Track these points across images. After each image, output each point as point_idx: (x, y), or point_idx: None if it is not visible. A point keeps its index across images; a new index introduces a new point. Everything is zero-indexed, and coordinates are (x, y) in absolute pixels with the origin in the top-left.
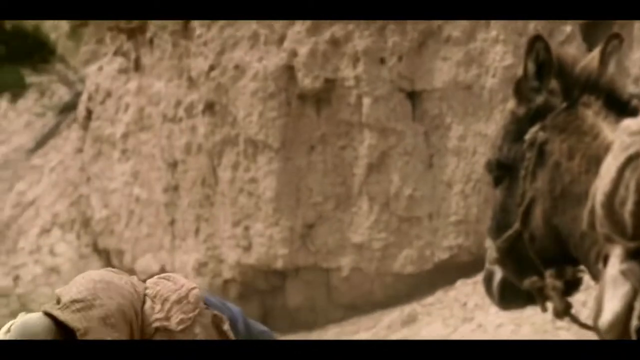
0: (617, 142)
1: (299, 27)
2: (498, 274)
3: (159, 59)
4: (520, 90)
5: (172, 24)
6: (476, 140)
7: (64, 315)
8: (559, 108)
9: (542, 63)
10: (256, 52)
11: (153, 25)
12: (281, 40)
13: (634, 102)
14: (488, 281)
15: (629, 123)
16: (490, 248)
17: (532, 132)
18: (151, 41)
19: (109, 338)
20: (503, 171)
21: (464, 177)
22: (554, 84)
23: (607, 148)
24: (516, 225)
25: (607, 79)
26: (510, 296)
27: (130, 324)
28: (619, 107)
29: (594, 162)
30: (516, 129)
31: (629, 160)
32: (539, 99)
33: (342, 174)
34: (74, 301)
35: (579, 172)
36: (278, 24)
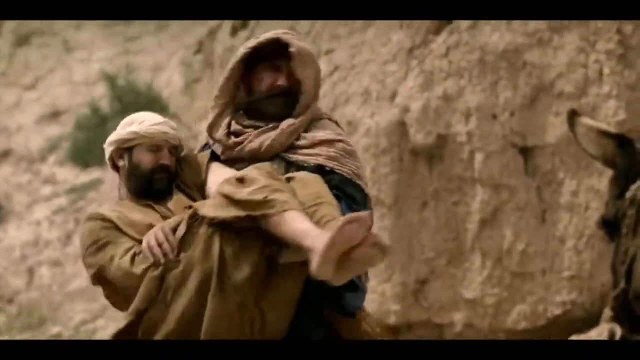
0: None
1: (411, 82)
2: (618, 332)
3: None
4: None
5: None
6: (589, 195)
7: None
8: None
9: None
10: (368, 107)
11: None
12: (393, 96)
13: None
14: (611, 339)
15: None
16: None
17: (633, 190)
18: None
19: None
20: (609, 228)
21: (576, 233)
22: None
23: None
24: (622, 284)
25: None
26: None
27: None
28: None
29: None
30: (619, 186)
31: None
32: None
33: (455, 230)
34: None
35: None
36: (390, 80)
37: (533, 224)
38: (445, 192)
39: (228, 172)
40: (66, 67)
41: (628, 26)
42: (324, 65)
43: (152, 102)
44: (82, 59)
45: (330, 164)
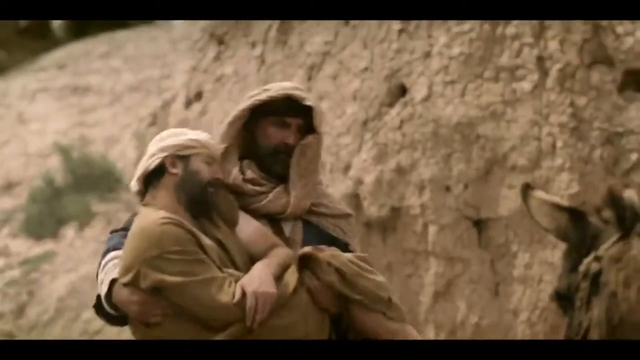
0: None
1: (365, 154)
2: None
3: None
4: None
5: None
6: (542, 268)
7: None
8: (612, 238)
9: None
10: (322, 179)
11: None
12: (347, 168)
13: None
14: None
15: None
16: None
17: (586, 263)
18: None
19: None
20: (563, 301)
21: (530, 305)
22: (607, 213)
23: None
24: None
25: None
26: None
27: None
28: None
29: None
30: (572, 260)
31: None
32: (592, 230)
33: (408, 302)
34: None
35: (636, 301)
36: (343, 152)
37: (487, 296)
38: (399, 264)
39: (256, 223)
40: (20, 138)
41: (581, 99)
42: None
43: (106, 174)
44: (37, 131)
45: (346, 240)
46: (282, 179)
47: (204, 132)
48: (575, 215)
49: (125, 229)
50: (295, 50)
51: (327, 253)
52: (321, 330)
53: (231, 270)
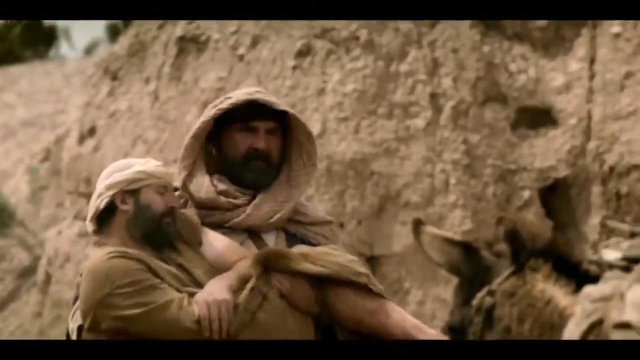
0: (579, 309)
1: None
2: None
3: None
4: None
5: None
6: (435, 304)
7: None
8: (505, 272)
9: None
10: None
11: None
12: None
13: (589, 267)
14: None
15: (591, 290)
16: None
17: (480, 297)
18: None
19: None
20: (455, 335)
21: None
22: (501, 246)
23: (560, 314)
24: None
25: (556, 242)
26: None
27: None
28: (570, 270)
29: (547, 328)
30: (464, 293)
31: (592, 327)
32: (485, 263)
33: None
34: None
35: (530, 337)
36: None
37: None
38: None
39: (225, 240)
40: None
41: (474, 136)
42: None
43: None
44: None
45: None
46: (256, 188)
47: (151, 160)
48: (466, 249)
49: None
50: (189, 86)
51: (292, 249)
52: (305, 334)
53: (189, 289)
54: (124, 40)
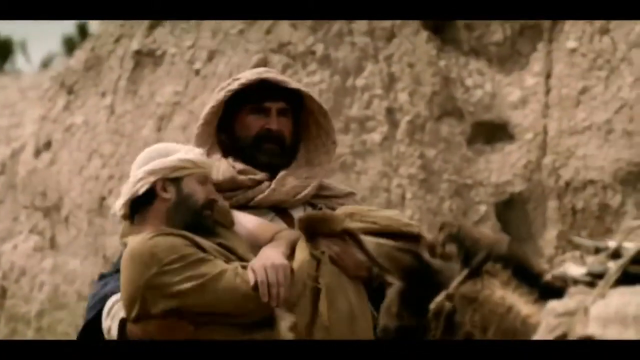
0: (543, 323)
1: None
2: None
3: (74, 237)
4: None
5: (88, 203)
6: None
7: None
8: (460, 275)
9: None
10: None
11: (68, 203)
12: None
13: (553, 280)
14: None
15: (555, 305)
16: None
17: (437, 302)
18: (67, 219)
19: None
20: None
21: None
22: (451, 247)
23: (523, 322)
24: None
25: (514, 249)
26: None
27: None
28: (530, 278)
29: (511, 336)
30: (413, 295)
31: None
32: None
33: None
34: None
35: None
36: None
37: None
38: None
39: (254, 218)
40: None
41: (431, 151)
42: None
43: None
44: None
45: None
46: (271, 169)
47: (194, 147)
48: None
49: (118, 270)
50: (145, 100)
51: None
52: (360, 298)
53: (236, 263)
54: (80, 54)
